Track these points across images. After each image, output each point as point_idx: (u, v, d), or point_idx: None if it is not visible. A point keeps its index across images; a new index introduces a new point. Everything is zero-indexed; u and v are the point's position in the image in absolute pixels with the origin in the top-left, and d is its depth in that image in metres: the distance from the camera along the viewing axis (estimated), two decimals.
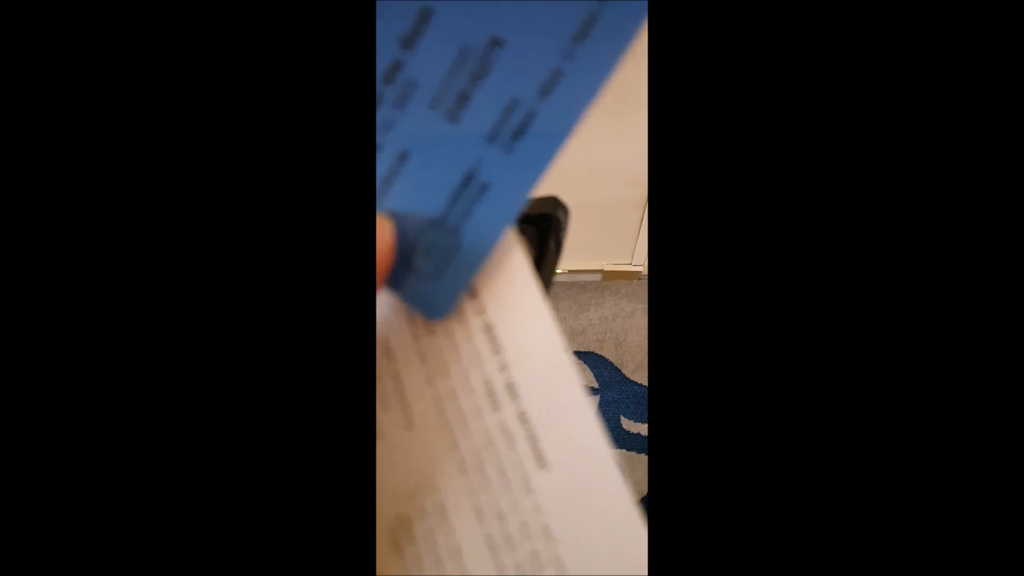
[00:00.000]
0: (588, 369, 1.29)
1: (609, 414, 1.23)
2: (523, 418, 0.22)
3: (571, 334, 1.33)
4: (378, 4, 0.19)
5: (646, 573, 0.18)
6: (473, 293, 0.23)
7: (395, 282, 0.22)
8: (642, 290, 1.35)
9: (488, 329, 0.23)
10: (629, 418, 1.24)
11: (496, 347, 0.23)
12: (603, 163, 1.03)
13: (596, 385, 1.27)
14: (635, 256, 1.24)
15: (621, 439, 1.22)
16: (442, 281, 0.22)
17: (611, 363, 1.29)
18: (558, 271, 1.28)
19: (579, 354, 1.31)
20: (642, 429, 1.25)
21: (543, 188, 0.21)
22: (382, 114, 0.21)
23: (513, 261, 0.22)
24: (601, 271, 1.33)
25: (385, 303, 0.24)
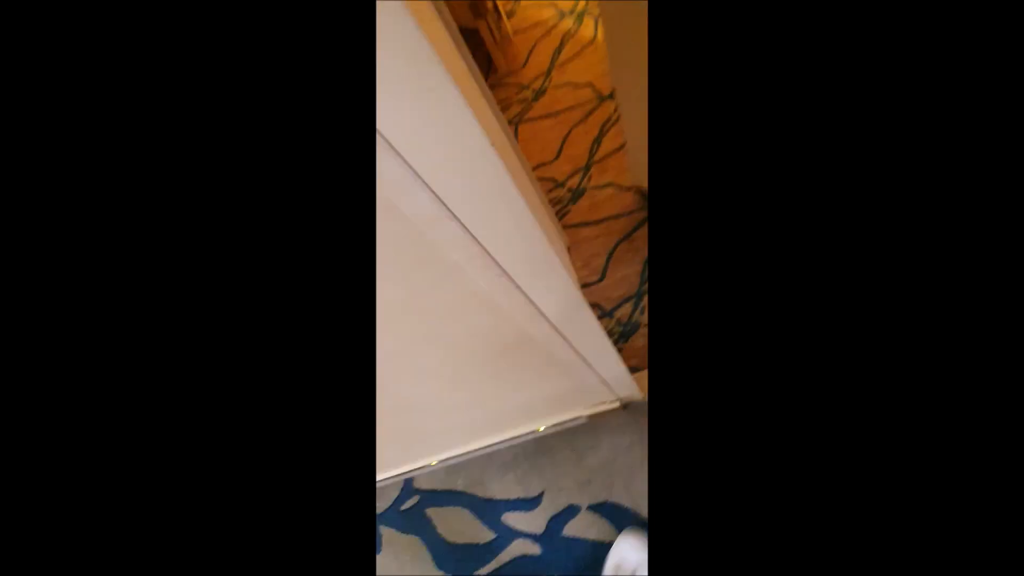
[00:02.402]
0: (610, 523, 1.19)
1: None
2: None
3: (578, 486, 1.24)
4: None
5: None
6: None
7: None
8: (631, 421, 1.27)
9: None
10: None
11: None
12: None
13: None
14: (615, 390, 1.14)
15: None
16: None
17: (629, 509, 1.19)
18: (543, 428, 1.16)
19: (594, 507, 1.21)
20: None
21: None
22: None
23: None
24: (586, 416, 1.27)
25: None
